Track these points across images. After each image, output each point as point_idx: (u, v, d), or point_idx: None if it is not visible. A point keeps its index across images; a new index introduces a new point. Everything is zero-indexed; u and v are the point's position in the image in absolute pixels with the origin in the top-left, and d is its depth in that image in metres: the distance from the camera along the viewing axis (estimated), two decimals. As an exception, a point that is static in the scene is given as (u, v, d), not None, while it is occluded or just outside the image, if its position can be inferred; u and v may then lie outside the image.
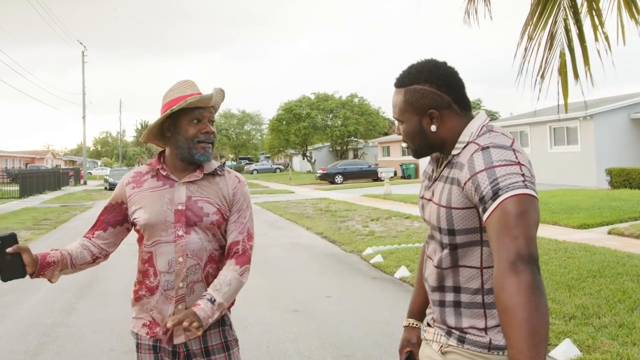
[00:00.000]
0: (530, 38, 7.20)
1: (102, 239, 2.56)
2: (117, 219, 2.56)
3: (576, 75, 7.14)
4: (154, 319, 2.48)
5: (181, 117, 2.44)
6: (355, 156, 60.40)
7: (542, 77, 7.27)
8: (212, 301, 2.34)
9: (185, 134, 2.44)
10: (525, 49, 7.22)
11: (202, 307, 2.30)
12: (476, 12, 7.80)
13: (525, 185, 1.66)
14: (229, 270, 2.45)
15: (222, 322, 2.55)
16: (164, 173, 2.50)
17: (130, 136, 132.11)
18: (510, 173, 1.68)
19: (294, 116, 57.13)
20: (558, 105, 7.40)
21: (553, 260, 8.80)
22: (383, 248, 10.97)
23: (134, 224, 2.53)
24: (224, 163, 2.66)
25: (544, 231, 11.80)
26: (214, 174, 2.55)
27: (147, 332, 2.50)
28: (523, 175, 1.68)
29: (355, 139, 59.34)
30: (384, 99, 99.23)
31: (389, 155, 48.79)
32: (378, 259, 9.99)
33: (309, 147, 62.68)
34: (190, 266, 2.43)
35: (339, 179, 40.10)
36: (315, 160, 60.72)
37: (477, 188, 1.72)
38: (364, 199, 23.93)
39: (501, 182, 1.66)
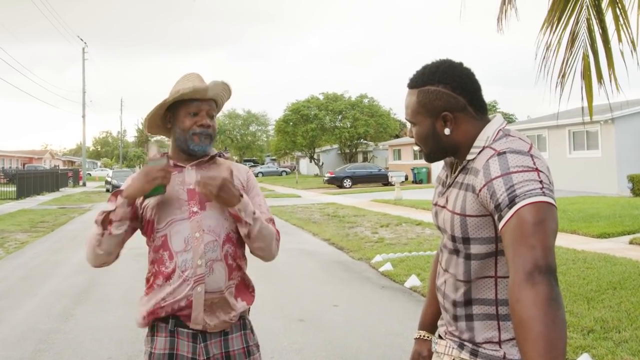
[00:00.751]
0: (550, 36, 7.12)
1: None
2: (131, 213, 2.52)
3: (600, 78, 7.08)
4: (166, 305, 2.43)
5: (179, 109, 2.51)
6: (365, 159, 60.40)
7: (562, 81, 7.19)
8: (253, 211, 2.46)
9: (182, 126, 2.51)
10: (547, 48, 7.14)
11: (245, 198, 2.44)
12: (505, 16, 7.74)
13: (543, 192, 1.65)
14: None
15: (244, 326, 2.57)
16: (171, 163, 2.54)
17: (131, 136, 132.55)
18: (528, 180, 1.67)
19: (301, 117, 57.16)
20: (582, 108, 7.32)
21: (571, 270, 8.76)
22: (393, 256, 10.95)
23: (142, 217, 2.51)
24: (226, 148, 2.70)
25: (562, 240, 11.75)
26: (219, 156, 2.65)
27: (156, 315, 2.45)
28: (541, 182, 1.68)
29: (365, 142, 59.32)
30: (395, 100, 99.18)
31: (400, 158, 48.77)
32: (387, 267, 9.97)
33: (317, 150, 62.70)
34: (208, 242, 2.43)
35: (347, 183, 40.11)
36: (323, 163, 60.74)
37: (492, 195, 1.71)
38: (374, 204, 23.91)
39: (518, 189, 1.66)
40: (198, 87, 2.47)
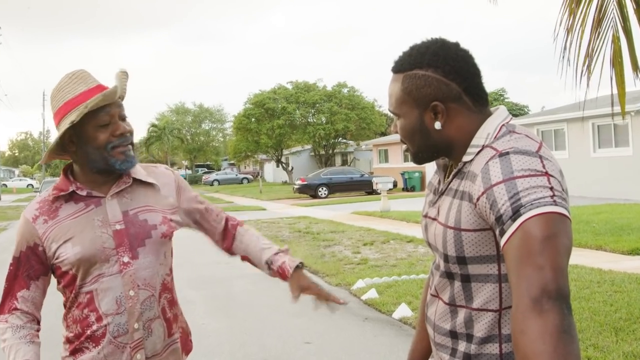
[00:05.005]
0: (572, 15, 7.07)
1: (30, 301, 2.45)
2: (38, 267, 2.45)
3: (635, 67, 7.07)
4: None
5: (84, 123, 2.36)
6: (345, 162, 60.54)
7: (590, 68, 7.15)
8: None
9: (95, 143, 2.39)
10: (568, 30, 7.09)
11: (303, 272, 2.72)
12: None
13: (555, 201, 1.65)
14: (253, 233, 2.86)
15: None
16: (83, 193, 2.45)
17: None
18: (536, 186, 1.67)
19: (266, 111, 57.12)
20: (612, 96, 7.30)
21: (596, 295, 8.82)
22: (378, 280, 10.95)
23: (55, 268, 2.44)
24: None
25: (585, 258, 11.84)
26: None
27: None
28: (552, 188, 1.68)
29: (345, 141, 59.43)
30: (380, 89, 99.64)
31: (387, 161, 48.89)
32: (372, 294, 9.97)
33: (285, 151, 62.71)
34: (144, 300, 2.41)
35: (323, 191, 40.13)
36: (292, 168, 60.73)
37: (493, 205, 1.71)
38: (355, 218, 23.93)
39: (523, 198, 1.66)
40: (108, 93, 2.37)
